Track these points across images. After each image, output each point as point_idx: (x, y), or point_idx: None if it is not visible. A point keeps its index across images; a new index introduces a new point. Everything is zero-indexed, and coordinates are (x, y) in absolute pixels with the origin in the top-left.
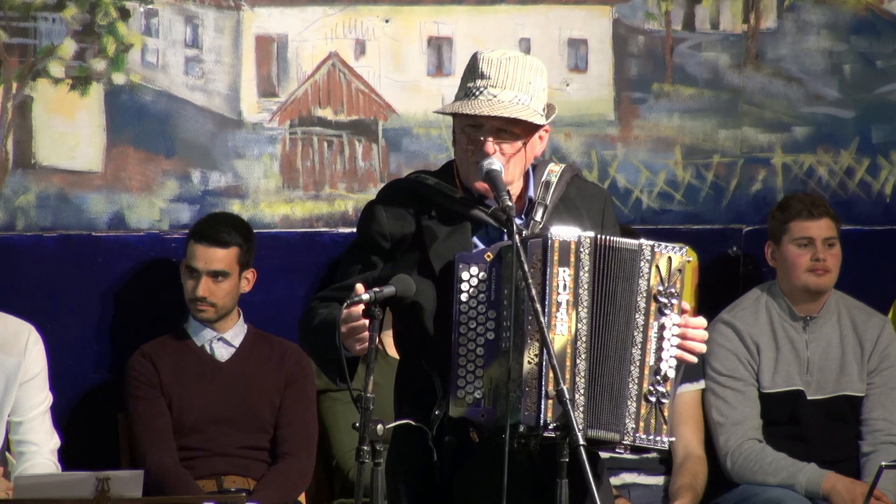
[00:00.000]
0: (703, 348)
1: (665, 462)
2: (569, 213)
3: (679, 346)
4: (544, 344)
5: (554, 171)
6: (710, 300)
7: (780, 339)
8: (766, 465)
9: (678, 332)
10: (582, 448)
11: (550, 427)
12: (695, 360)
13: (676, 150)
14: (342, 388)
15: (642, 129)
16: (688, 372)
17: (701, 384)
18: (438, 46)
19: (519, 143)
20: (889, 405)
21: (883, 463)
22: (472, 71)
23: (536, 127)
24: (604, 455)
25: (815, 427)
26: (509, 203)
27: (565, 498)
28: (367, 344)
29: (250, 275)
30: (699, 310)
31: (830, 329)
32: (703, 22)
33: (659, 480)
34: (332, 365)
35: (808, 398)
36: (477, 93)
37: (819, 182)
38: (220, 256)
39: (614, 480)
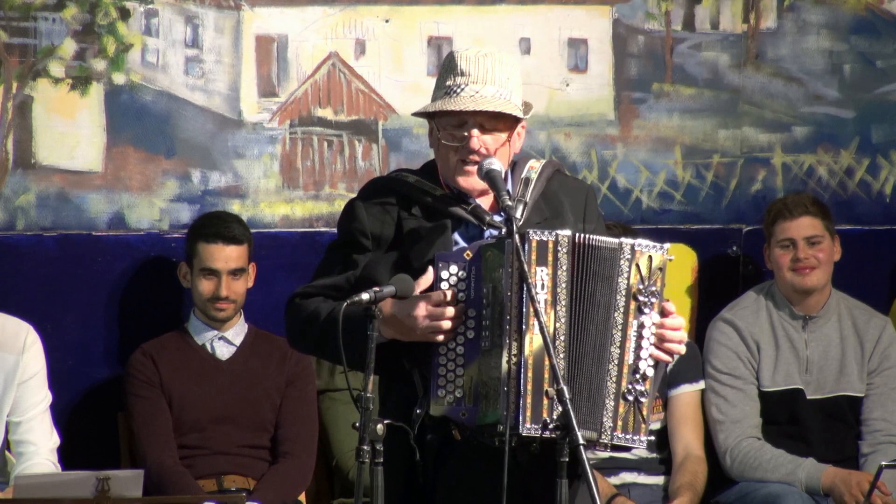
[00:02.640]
0: (681, 349)
1: (665, 462)
2: (549, 209)
3: (656, 346)
4: (544, 339)
5: (534, 167)
6: (710, 300)
7: (780, 338)
8: (766, 462)
9: (656, 332)
10: (581, 447)
11: (549, 426)
12: (671, 359)
13: (676, 150)
14: (343, 389)
15: (642, 128)
16: (688, 372)
17: (701, 384)
18: (438, 46)
19: (503, 138)
20: (889, 406)
21: (883, 462)
22: (451, 69)
23: (517, 122)
24: (603, 455)
25: (814, 426)
26: (509, 203)
27: (565, 498)
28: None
29: (252, 269)
30: (699, 310)
31: (830, 329)
32: (703, 22)
33: (659, 480)
34: (356, 358)
35: (808, 398)
36: (458, 90)
37: (819, 182)
38: (237, 254)
39: (614, 480)
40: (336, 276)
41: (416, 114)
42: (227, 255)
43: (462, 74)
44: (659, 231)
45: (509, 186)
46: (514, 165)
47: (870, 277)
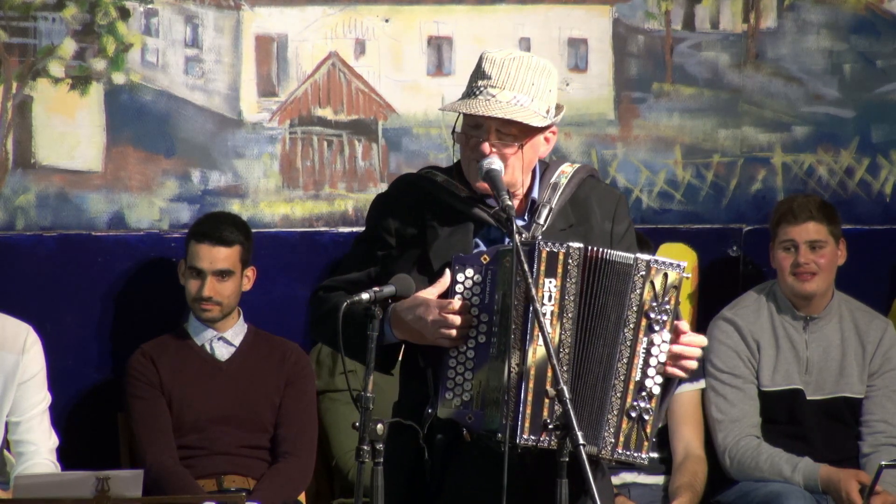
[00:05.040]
0: (694, 365)
1: (665, 462)
2: (576, 214)
3: (670, 363)
4: (546, 345)
5: (566, 172)
6: (710, 300)
7: (781, 338)
8: (763, 462)
9: (678, 350)
10: (581, 447)
11: (550, 427)
12: (684, 375)
13: (676, 150)
14: (343, 389)
15: (642, 128)
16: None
17: (701, 384)
18: (438, 46)
19: (516, 145)
20: (890, 408)
21: (883, 462)
22: (477, 70)
23: (537, 128)
24: None
25: (813, 426)
26: (509, 202)
27: (565, 498)
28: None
29: (251, 273)
30: (699, 309)
31: (831, 330)
32: (703, 21)
33: (659, 480)
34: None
35: (808, 398)
36: (477, 92)
37: (819, 182)
38: (224, 255)
39: (614, 480)
40: (358, 272)
41: (441, 109)
42: (213, 256)
43: (484, 77)
44: (659, 231)
45: (536, 191)
46: (546, 169)
47: (870, 277)
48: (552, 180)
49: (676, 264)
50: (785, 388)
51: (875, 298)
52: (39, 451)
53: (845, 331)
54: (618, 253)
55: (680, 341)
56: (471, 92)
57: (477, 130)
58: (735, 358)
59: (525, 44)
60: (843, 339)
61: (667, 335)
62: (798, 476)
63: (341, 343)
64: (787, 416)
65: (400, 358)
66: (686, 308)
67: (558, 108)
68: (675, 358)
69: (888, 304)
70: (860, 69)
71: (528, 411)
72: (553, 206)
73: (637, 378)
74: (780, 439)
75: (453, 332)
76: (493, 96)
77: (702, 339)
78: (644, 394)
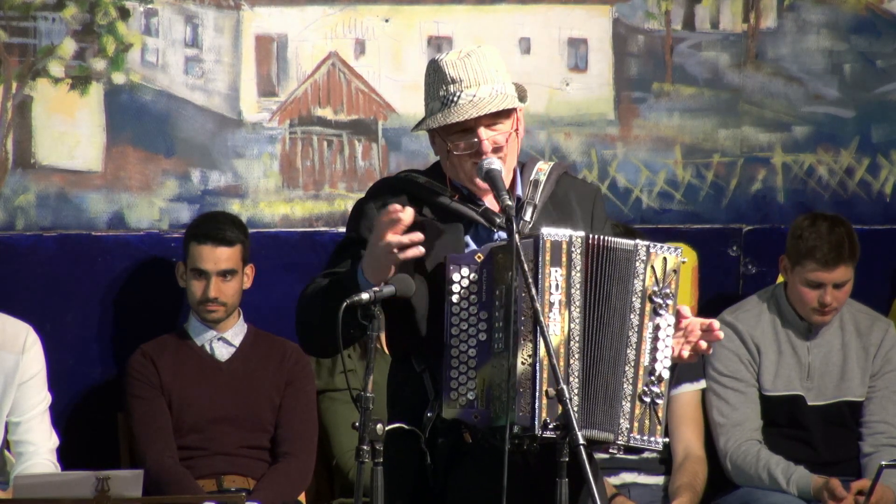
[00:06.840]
0: (710, 347)
1: (665, 462)
2: (558, 211)
3: (687, 343)
4: (546, 342)
5: (542, 169)
6: (711, 300)
7: (783, 344)
8: (761, 469)
9: (694, 330)
10: (582, 448)
11: (549, 427)
12: (695, 358)
13: (676, 150)
14: (342, 388)
15: (642, 128)
16: (688, 372)
17: (701, 384)
18: (438, 46)
19: (508, 130)
20: (891, 409)
21: (883, 462)
22: (440, 79)
23: (514, 112)
24: (603, 455)
25: (815, 430)
26: (509, 202)
27: (565, 498)
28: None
29: (250, 270)
30: (699, 310)
31: (832, 335)
32: (703, 21)
33: (659, 480)
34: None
35: (809, 404)
36: (455, 98)
37: (819, 182)
38: (227, 255)
39: (614, 480)
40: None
41: (419, 129)
42: (216, 257)
43: (454, 82)
44: (659, 231)
45: (519, 188)
46: (523, 167)
47: (870, 277)
48: (532, 178)
49: (673, 248)
50: (786, 393)
51: (875, 299)
52: (39, 451)
53: (847, 335)
54: (618, 240)
55: (703, 323)
56: (446, 101)
57: (467, 134)
58: (737, 362)
59: (525, 43)
60: (845, 343)
61: (671, 318)
62: (792, 487)
63: (340, 335)
64: (787, 420)
65: (389, 364)
66: (686, 307)
67: (518, 86)
68: (695, 335)
69: (888, 305)
70: (860, 69)
71: (545, 402)
72: (537, 203)
73: (646, 363)
74: (782, 441)
75: (401, 238)
76: (474, 95)
77: (714, 321)
78: (654, 378)
